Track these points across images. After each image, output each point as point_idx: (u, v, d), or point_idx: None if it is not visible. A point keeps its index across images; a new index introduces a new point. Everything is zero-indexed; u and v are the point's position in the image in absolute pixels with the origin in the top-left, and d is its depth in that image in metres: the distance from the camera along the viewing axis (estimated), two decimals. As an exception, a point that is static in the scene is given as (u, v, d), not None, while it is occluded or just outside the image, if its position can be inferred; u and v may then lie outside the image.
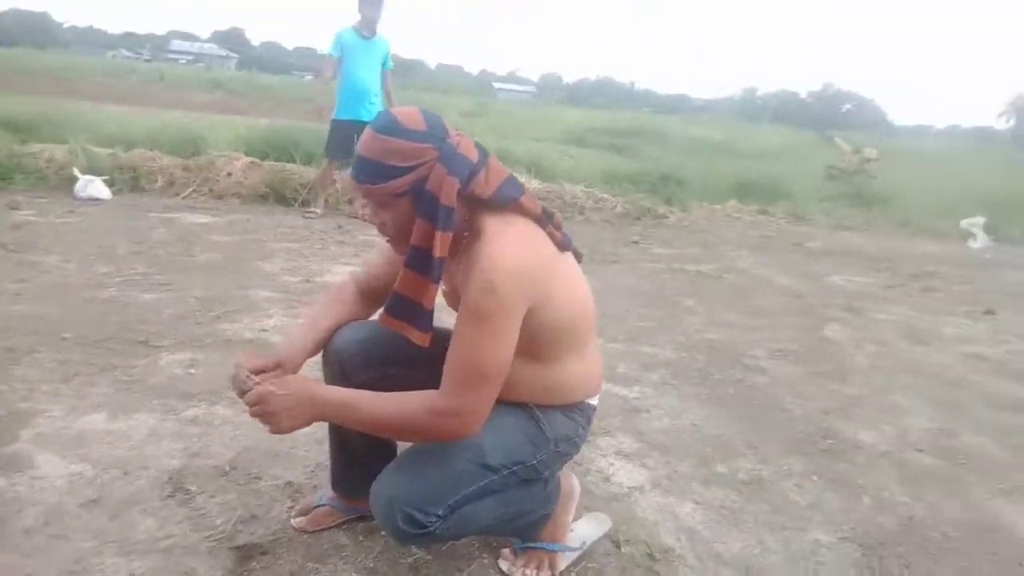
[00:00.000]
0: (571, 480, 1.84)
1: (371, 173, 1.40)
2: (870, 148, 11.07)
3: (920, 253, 7.05)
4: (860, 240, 7.58)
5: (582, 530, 1.83)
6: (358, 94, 5.75)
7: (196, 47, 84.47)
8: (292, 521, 1.86)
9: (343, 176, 6.20)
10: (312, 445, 2.22)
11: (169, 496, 1.93)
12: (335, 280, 4.17)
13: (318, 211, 6.14)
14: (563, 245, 1.52)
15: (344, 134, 5.65)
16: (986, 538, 2.09)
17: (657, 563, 1.83)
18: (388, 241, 1.52)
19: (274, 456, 2.17)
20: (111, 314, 3.24)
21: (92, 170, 6.04)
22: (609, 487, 2.18)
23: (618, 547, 1.87)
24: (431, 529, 1.44)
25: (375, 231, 1.56)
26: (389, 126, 1.40)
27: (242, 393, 1.45)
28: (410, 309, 1.46)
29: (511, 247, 1.38)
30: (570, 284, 1.51)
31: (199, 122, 7.62)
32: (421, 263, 1.41)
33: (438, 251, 1.38)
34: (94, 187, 5.83)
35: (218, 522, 1.84)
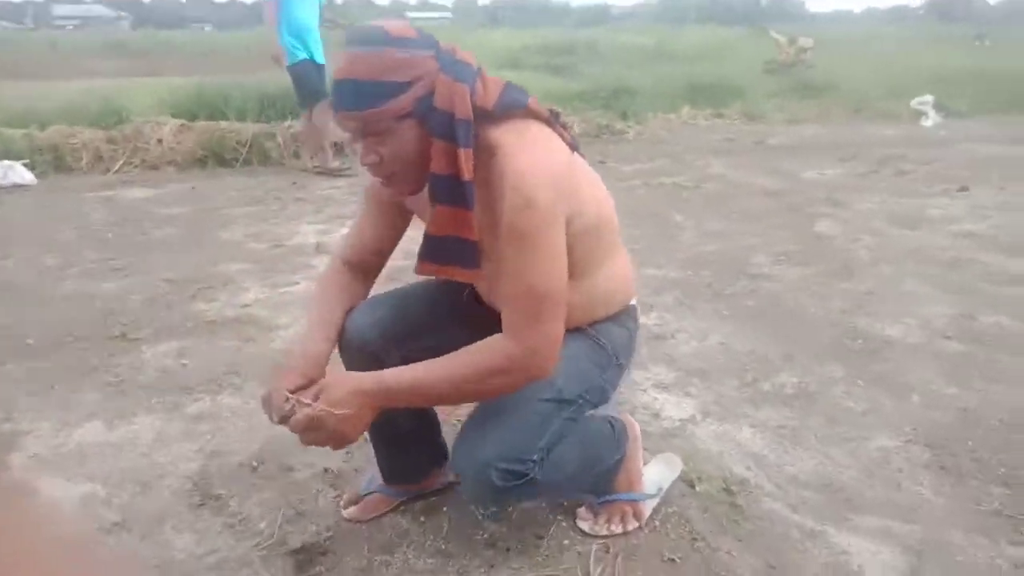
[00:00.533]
0: (633, 424, 1.72)
1: (364, 96, 1.17)
2: (804, 38, 10.96)
3: (879, 138, 7.05)
4: (818, 131, 7.54)
5: (655, 475, 1.73)
6: (302, 32, 5.30)
7: (82, 10, 78.44)
8: (344, 513, 1.70)
9: (299, 125, 5.80)
10: (340, 425, 2.04)
11: (200, 505, 1.75)
12: (306, 242, 3.91)
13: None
14: (573, 145, 1.35)
15: (314, 76, 5.34)
16: (1043, 418, 2.06)
17: (736, 496, 1.74)
18: (386, 183, 1.29)
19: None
20: (75, 311, 2.94)
21: (7, 154, 5.51)
22: (661, 423, 2.08)
23: (692, 486, 1.77)
24: (531, 475, 1.34)
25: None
26: (377, 37, 1.17)
27: (284, 419, 1.27)
28: (452, 248, 1.27)
29: (537, 156, 1.21)
30: (591, 185, 1.38)
31: (112, 89, 6.99)
32: (450, 193, 1.22)
33: (467, 173, 1.20)
34: (15, 173, 5.32)
35: (262, 526, 1.67)
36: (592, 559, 1.54)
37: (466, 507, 1.71)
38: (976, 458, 1.88)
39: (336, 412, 1.23)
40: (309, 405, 1.24)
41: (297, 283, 3.26)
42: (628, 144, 6.80)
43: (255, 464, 1.91)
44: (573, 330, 1.42)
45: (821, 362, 2.42)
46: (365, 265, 1.52)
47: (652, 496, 1.67)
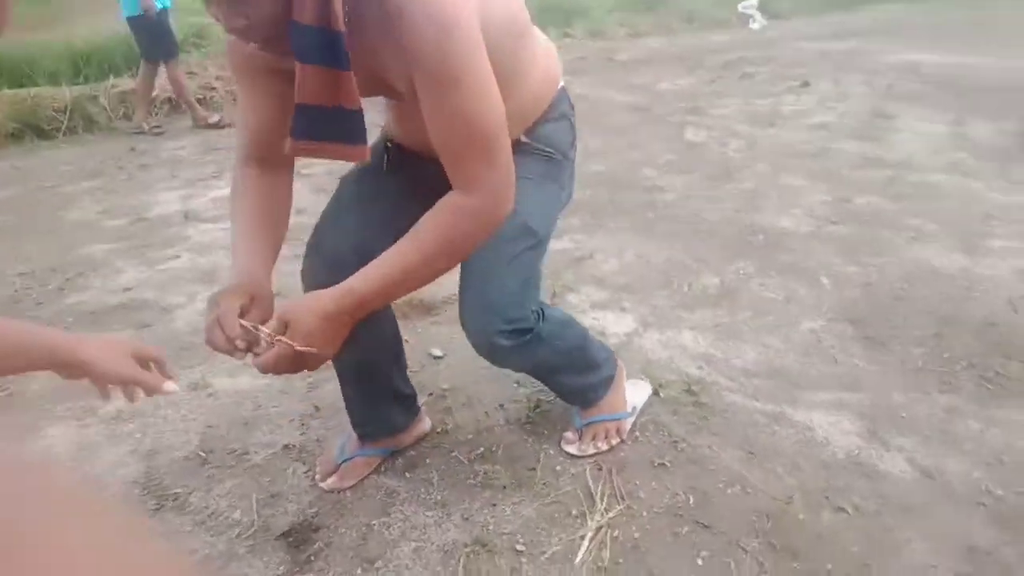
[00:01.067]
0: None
1: None
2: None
3: (716, 44, 7.39)
4: (660, 44, 7.79)
5: (629, 396, 1.77)
6: None
7: None
8: (323, 485, 1.62)
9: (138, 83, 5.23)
10: (280, 399, 1.93)
11: (158, 508, 1.59)
12: (170, 211, 3.56)
13: (145, 125, 5.21)
14: None
15: (161, 27, 4.85)
16: (930, 281, 2.31)
17: (699, 396, 1.83)
18: (263, 46, 1.08)
19: (244, 424, 1.85)
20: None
21: None
22: (608, 340, 2.12)
23: (657, 394, 1.83)
24: (535, 328, 1.36)
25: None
26: None
27: (246, 349, 1.14)
28: (330, 120, 1.08)
29: None
30: None
31: None
32: (321, 50, 1.01)
33: (339, 22, 1.00)
34: None
35: (237, 515, 1.55)
36: (588, 478, 1.57)
37: (449, 454, 1.69)
38: (892, 325, 2.08)
39: (307, 349, 1.11)
40: (281, 342, 1.11)
41: (178, 256, 2.98)
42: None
43: (203, 454, 1.76)
44: (514, 147, 1.24)
45: (731, 260, 2.56)
46: (271, 156, 1.24)
47: (629, 415, 1.72)
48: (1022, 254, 2.44)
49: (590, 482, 1.56)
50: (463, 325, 1.38)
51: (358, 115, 1.09)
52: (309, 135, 1.10)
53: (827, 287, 2.32)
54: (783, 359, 1.96)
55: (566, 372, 1.58)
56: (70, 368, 1.04)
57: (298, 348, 1.11)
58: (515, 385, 1.94)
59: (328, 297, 1.13)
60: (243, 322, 1.14)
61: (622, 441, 1.67)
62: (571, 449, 1.65)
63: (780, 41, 7.08)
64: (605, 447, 1.65)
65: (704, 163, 3.67)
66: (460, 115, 1.05)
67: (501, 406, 1.86)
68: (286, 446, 1.76)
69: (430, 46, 1.00)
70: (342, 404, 1.89)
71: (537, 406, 1.82)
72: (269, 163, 1.25)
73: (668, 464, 1.61)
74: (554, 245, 2.74)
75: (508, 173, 1.12)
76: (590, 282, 2.48)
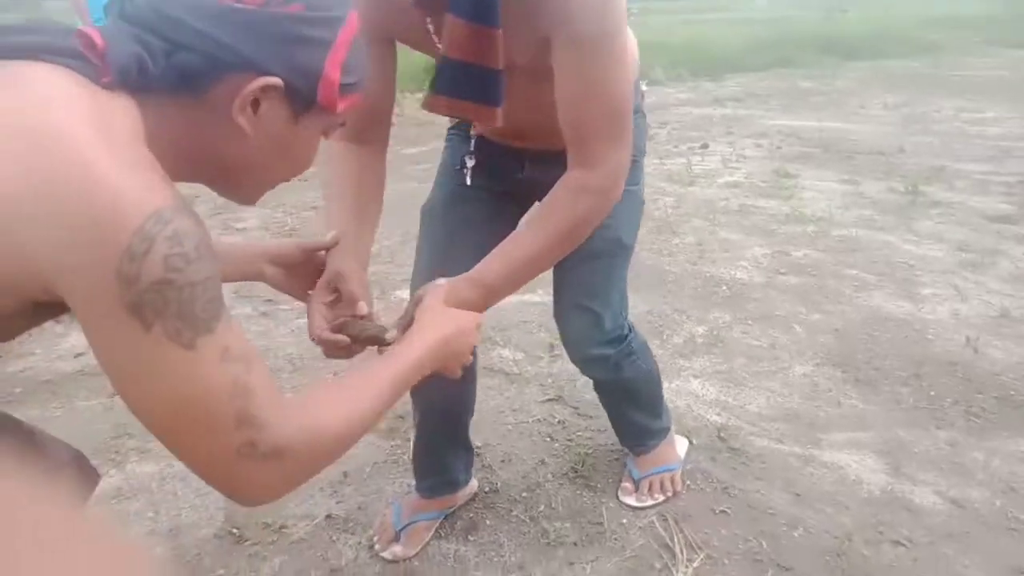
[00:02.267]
0: None
1: None
2: None
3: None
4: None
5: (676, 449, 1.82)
6: None
7: None
8: (385, 555, 1.53)
9: None
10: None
11: (205, 597, 1.44)
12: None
13: None
14: None
15: None
16: (888, 326, 2.54)
17: (729, 441, 1.91)
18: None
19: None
20: None
21: None
22: (622, 390, 2.17)
23: (691, 442, 1.89)
24: (628, 337, 1.51)
25: None
26: None
27: (351, 346, 1.05)
28: (472, 78, 1.03)
29: None
30: None
31: None
32: (475, 4, 0.97)
33: None
34: None
35: (300, 598, 1.44)
36: (659, 529, 1.59)
37: (508, 513, 1.66)
38: (875, 368, 2.27)
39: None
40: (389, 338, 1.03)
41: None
42: (400, 128, 6.66)
43: (235, 531, 1.62)
44: None
45: (707, 310, 2.70)
46: (370, 132, 1.18)
47: (680, 465, 1.76)
48: (952, 299, 2.74)
49: (662, 533, 1.58)
50: (564, 336, 1.47)
51: (501, 76, 1.03)
52: (450, 91, 1.04)
53: (801, 334, 2.50)
54: (790, 403, 2.09)
55: (638, 403, 1.65)
56: None
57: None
58: (548, 439, 1.94)
59: (459, 292, 1.07)
60: (352, 315, 1.05)
61: (677, 492, 1.71)
62: (631, 500, 1.67)
63: (667, 106, 7.60)
64: (662, 498, 1.68)
65: (646, 219, 3.85)
66: (601, 82, 1.00)
67: (543, 461, 1.84)
68: (328, 516, 1.66)
69: (591, 11, 0.96)
70: (370, 469, 1.82)
71: (582, 460, 1.82)
72: (367, 139, 1.19)
73: (728, 511, 1.66)
74: (531, 299, 2.79)
75: (629, 152, 1.09)
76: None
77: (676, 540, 1.56)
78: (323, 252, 1.10)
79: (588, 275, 1.39)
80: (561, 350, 2.38)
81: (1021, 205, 3.93)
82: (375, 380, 0.85)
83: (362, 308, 1.04)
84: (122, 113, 0.66)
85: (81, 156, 0.59)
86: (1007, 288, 2.85)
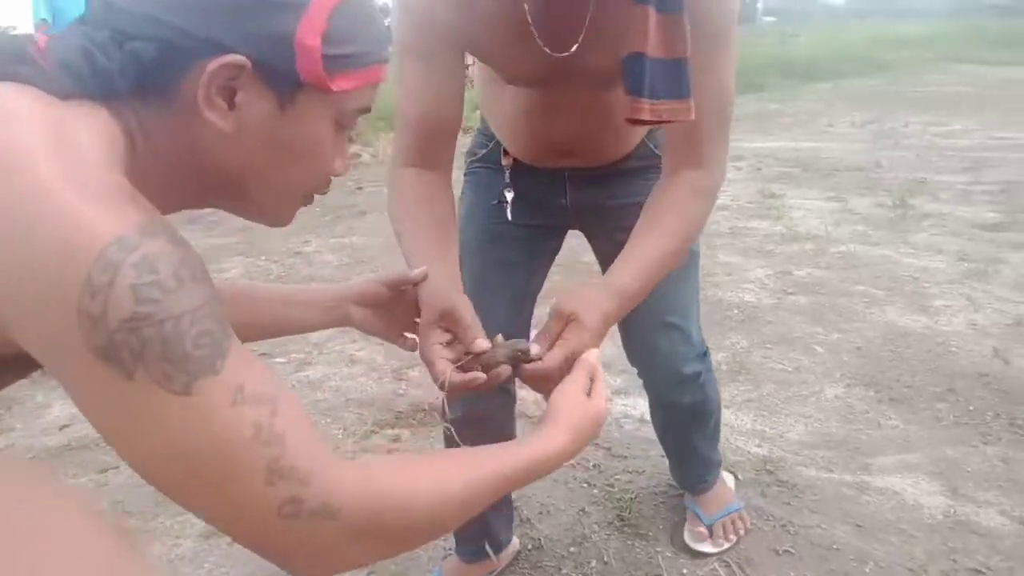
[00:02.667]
0: None
1: None
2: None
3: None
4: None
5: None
6: None
7: None
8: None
9: None
10: None
11: None
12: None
13: None
14: None
15: None
16: (908, 341, 2.49)
17: (777, 474, 1.82)
18: None
19: None
20: None
21: None
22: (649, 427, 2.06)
23: (736, 478, 1.80)
24: (707, 353, 1.43)
25: None
26: None
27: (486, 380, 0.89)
28: (669, 74, 0.92)
29: None
30: None
31: None
32: None
33: None
34: None
35: None
36: (724, 577, 1.48)
37: (559, 572, 1.54)
38: (906, 385, 2.20)
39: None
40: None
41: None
42: (379, 168, 6.60)
43: (261, 614, 1.47)
44: (649, 164, 1.26)
45: (724, 335, 2.63)
46: (436, 152, 1.06)
47: (741, 504, 1.66)
48: (965, 310, 2.71)
49: (728, 580, 1.48)
50: (652, 360, 1.39)
51: (689, 65, 0.93)
52: (653, 93, 0.93)
53: (824, 355, 2.44)
54: (829, 428, 2.01)
55: (706, 430, 1.55)
56: None
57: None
58: (585, 485, 1.82)
59: (605, 303, 0.94)
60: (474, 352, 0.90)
61: (747, 532, 1.60)
62: (705, 547, 1.56)
63: (643, 133, 7.64)
64: (735, 539, 1.58)
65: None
66: (719, 80, 0.97)
67: (583, 510, 1.73)
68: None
69: (716, 4, 0.92)
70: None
71: (627, 506, 1.71)
72: (432, 161, 1.06)
73: (792, 551, 1.56)
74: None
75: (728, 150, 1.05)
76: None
77: (744, 587, 1.46)
78: (410, 287, 0.97)
79: (668, 289, 1.22)
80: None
81: (1008, 213, 3.96)
82: (488, 460, 0.71)
83: (481, 344, 0.89)
84: (88, 129, 0.56)
85: (35, 181, 0.49)
86: (1016, 296, 2.83)
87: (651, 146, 1.28)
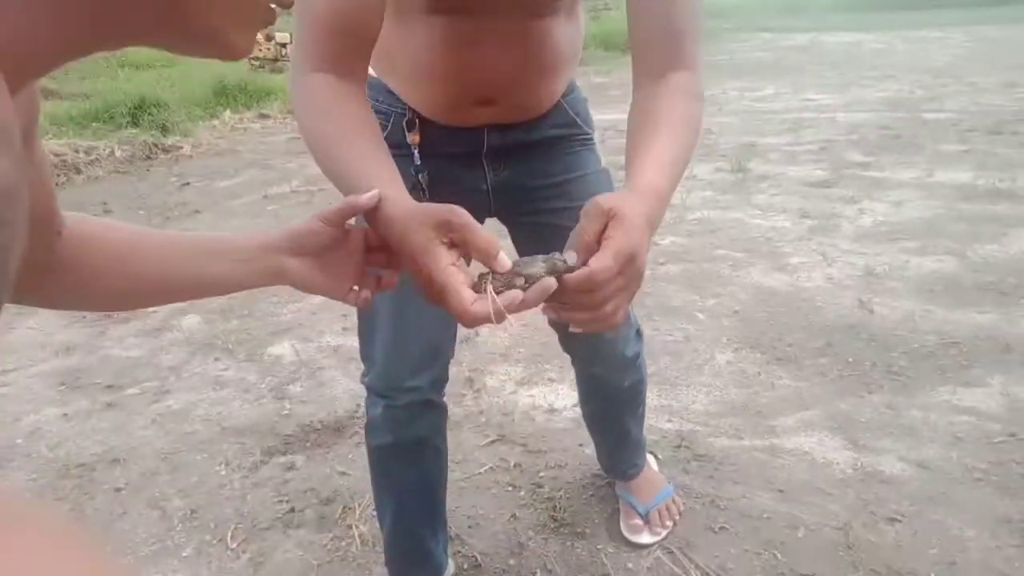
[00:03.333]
0: None
1: None
2: (280, 33, 11.04)
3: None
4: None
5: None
6: None
7: None
8: None
9: None
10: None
11: None
12: None
13: None
14: None
15: None
16: (779, 300, 2.62)
17: (693, 447, 1.82)
18: None
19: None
20: None
21: None
22: (562, 415, 2.01)
23: (657, 458, 1.78)
24: (640, 330, 1.41)
25: None
26: None
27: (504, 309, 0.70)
28: None
29: None
30: None
31: None
32: None
33: None
34: None
35: None
36: (670, 565, 1.46)
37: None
38: (788, 344, 2.30)
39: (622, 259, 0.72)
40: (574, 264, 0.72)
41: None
42: (198, 160, 6.01)
43: None
44: (567, 133, 1.17)
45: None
46: (351, 63, 0.87)
47: (672, 486, 1.64)
48: (820, 266, 2.90)
49: (675, 569, 1.45)
50: (593, 345, 1.31)
51: None
52: None
53: (707, 322, 2.50)
54: (729, 395, 2.05)
55: (637, 410, 1.51)
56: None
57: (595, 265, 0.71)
58: (510, 488, 1.74)
59: (646, 204, 0.77)
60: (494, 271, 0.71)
61: (680, 515, 1.59)
62: (643, 538, 1.52)
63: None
64: (671, 524, 1.55)
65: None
66: None
67: (514, 516, 1.64)
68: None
69: None
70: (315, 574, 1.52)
71: (557, 505, 1.64)
72: (347, 71, 0.86)
73: (727, 527, 1.56)
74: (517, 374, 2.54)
75: None
76: (498, 361, 2.34)
77: (693, 574, 1.43)
78: (358, 219, 0.78)
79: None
80: (483, 382, 2.19)
81: (832, 170, 4.32)
82: None
83: (504, 261, 0.71)
84: None
85: None
86: (858, 247, 3.07)
87: (571, 112, 1.18)
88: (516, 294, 0.69)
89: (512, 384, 2.19)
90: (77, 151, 5.73)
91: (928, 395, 1.98)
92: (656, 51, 0.92)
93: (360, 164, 0.81)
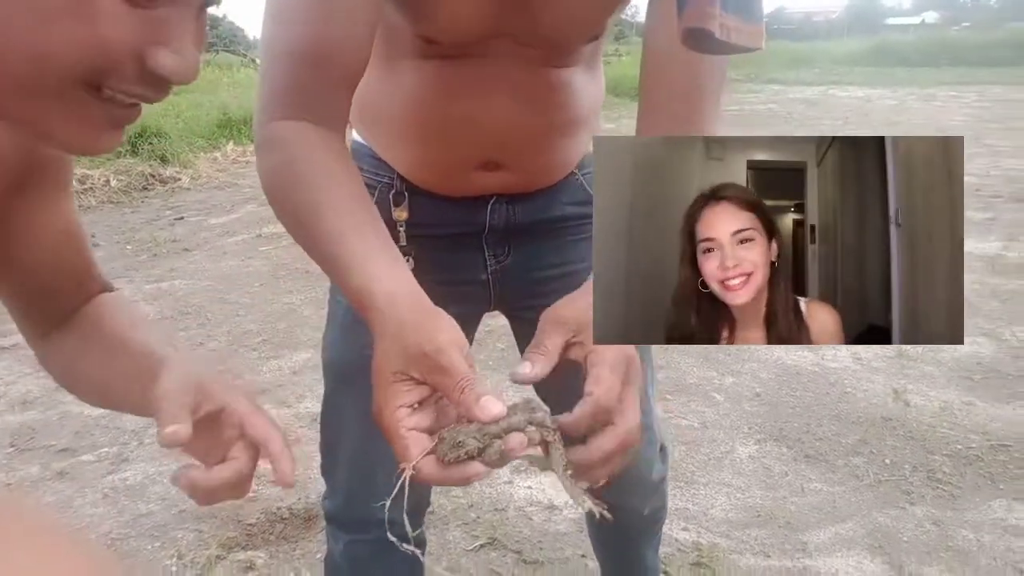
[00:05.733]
0: None
1: None
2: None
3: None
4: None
5: None
6: None
7: None
8: None
9: None
10: None
11: None
12: None
13: None
14: None
15: None
16: (803, 382, 2.40)
17: (713, 567, 1.59)
18: None
19: None
20: None
21: None
22: (565, 513, 1.78)
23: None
24: (664, 447, 1.12)
25: None
26: None
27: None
28: None
29: None
30: None
31: None
32: None
33: None
34: None
35: None
36: None
37: None
38: (817, 438, 2.08)
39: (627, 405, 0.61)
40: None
41: None
42: (197, 193, 5.85)
43: None
44: (585, 212, 0.95)
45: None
46: (332, 106, 0.70)
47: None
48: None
49: None
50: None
51: None
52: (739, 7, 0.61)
53: (725, 404, 2.28)
54: (753, 498, 1.82)
55: (655, 536, 1.28)
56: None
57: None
58: (500, 610, 1.49)
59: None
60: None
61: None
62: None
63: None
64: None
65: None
66: None
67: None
68: None
69: None
70: None
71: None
72: (326, 116, 0.68)
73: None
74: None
75: None
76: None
77: None
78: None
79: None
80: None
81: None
82: None
83: (493, 406, 0.55)
84: None
85: None
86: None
87: (588, 188, 0.98)
88: (475, 469, 0.56)
89: (507, 471, 1.95)
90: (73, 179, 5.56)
91: (978, 510, 1.75)
92: (669, 106, 0.75)
93: (363, 242, 0.63)
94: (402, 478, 0.57)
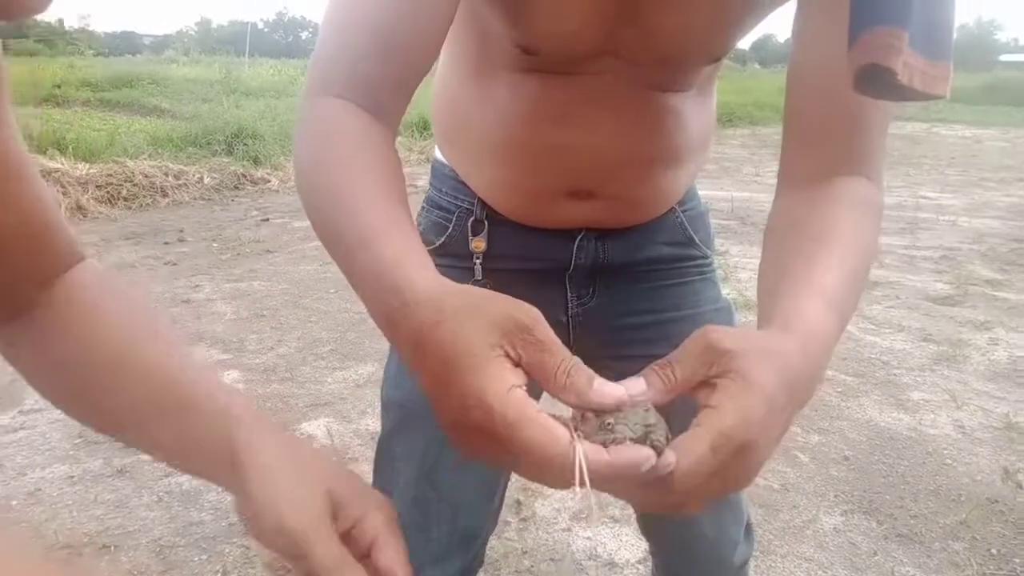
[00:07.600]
0: None
1: None
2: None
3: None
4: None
5: None
6: None
7: None
8: None
9: None
10: None
11: None
12: None
13: None
14: None
15: None
16: (896, 447, 2.20)
17: None
18: None
19: None
20: None
21: None
22: (624, 572, 1.65)
23: None
24: (750, 526, 0.98)
25: None
26: None
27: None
28: (932, 19, 0.54)
29: None
30: None
31: None
32: None
33: None
34: None
35: None
36: None
37: None
38: (912, 514, 1.88)
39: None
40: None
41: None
42: (283, 195, 5.99)
43: None
44: (683, 254, 0.87)
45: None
46: (391, 101, 0.62)
47: None
48: (946, 407, 2.46)
49: None
50: (692, 542, 0.94)
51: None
52: (929, 42, 0.52)
53: (810, 466, 2.10)
54: (836, 577, 1.65)
55: None
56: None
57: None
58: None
59: (784, 344, 0.46)
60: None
61: None
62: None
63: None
64: None
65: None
66: None
67: None
68: None
69: None
70: None
71: None
72: (379, 107, 0.60)
73: None
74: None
75: None
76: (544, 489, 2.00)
77: None
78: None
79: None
80: (533, 508, 1.86)
81: (956, 284, 3.84)
82: None
83: (606, 392, 0.43)
84: None
85: None
86: (993, 388, 2.60)
87: (688, 229, 0.88)
88: (603, 455, 0.40)
89: (567, 518, 1.84)
90: (167, 174, 5.79)
91: (1104, 623, 1.53)
92: (826, 144, 0.61)
93: (396, 237, 0.51)
94: (576, 461, 0.39)
